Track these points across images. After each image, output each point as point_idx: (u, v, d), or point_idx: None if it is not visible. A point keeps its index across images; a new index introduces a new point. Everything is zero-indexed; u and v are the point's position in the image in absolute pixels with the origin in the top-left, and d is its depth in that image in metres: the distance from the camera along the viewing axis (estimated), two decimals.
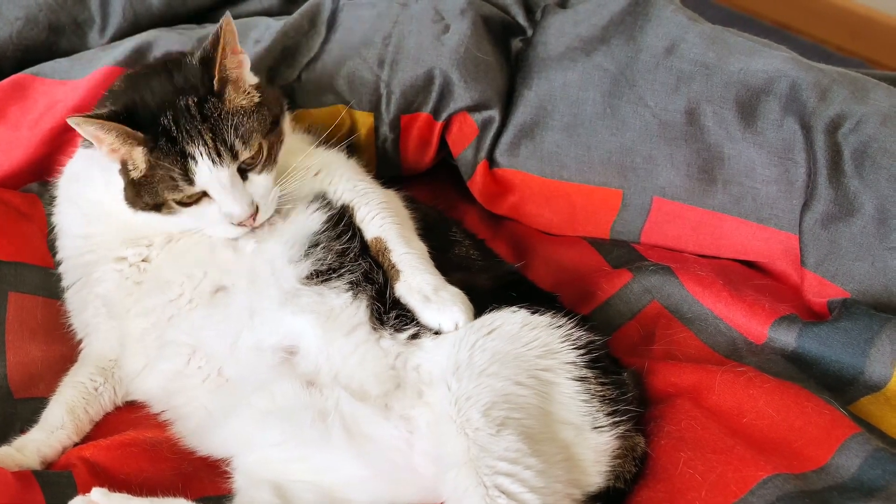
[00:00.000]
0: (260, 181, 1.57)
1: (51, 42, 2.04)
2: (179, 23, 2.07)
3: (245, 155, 1.55)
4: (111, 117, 1.49)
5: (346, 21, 1.97)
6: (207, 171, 1.51)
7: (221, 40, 1.53)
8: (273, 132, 1.60)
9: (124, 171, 1.55)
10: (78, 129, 1.50)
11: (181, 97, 1.52)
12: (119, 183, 1.57)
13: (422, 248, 1.63)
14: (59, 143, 1.90)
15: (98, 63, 1.91)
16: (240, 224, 1.56)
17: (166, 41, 1.93)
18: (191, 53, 1.62)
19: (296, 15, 1.98)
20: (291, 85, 1.94)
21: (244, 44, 1.88)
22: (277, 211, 1.62)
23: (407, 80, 1.93)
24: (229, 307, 1.57)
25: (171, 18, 2.07)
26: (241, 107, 1.56)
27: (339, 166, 1.70)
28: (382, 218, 1.63)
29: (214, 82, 1.54)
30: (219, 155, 1.52)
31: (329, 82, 1.94)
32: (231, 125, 1.53)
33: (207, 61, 1.56)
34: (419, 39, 1.93)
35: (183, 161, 1.50)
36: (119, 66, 1.89)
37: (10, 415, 1.60)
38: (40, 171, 1.92)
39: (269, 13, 2.13)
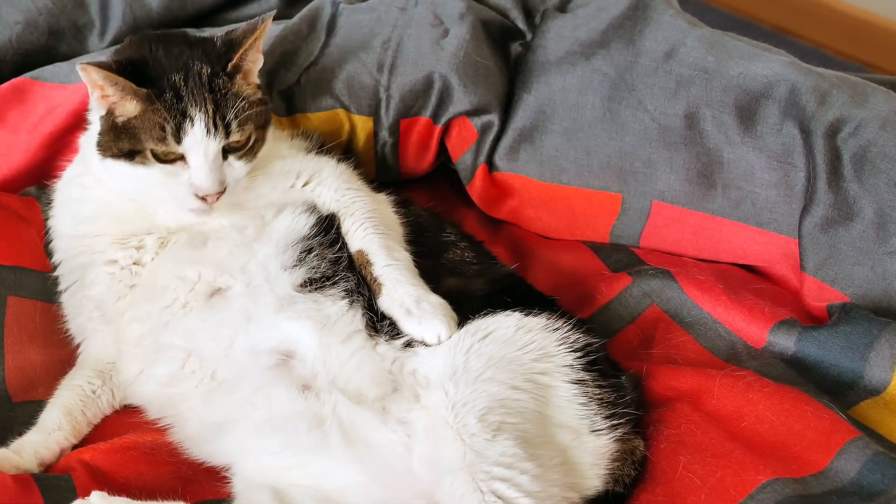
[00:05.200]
0: (237, 166, 1.60)
1: (50, 46, 2.04)
2: (179, 27, 2.07)
3: (236, 137, 1.58)
4: (120, 70, 1.53)
5: (345, 25, 1.97)
6: (198, 137, 1.54)
7: (258, 32, 1.61)
8: (263, 129, 1.64)
9: (108, 116, 1.58)
10: (82, 74, 1.54)
11: (196, 62, 1.57)
12: (96, 130, 1.61)
13: (406, 257, 1.63)
14: (58, 147, 1.90)
15: None
16: (202, 198, 1.57)
17: None
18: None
19: (295, 19, 1.98)
20: (290, 89, 1.94)
21: None
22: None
23: (406, 84, 1.93)
24: (226, 311, 1.57)
25: (170, 22, 2.07)
26: (246, 95, 1.60)
27: (328, 175, 1.70)
28: (365, 230, 1.63)
29: (231, 64, 1.59)
30: (215, 127, 1.55)
31: (328, 87, 1.94)
32: (232, 105, 1.57)
33: (232, 44, 1.62)
34: (418, 44, 1.93)
35: (180, 119, 1.53)
36: None
37: (8, 419, 1.59)
38: (39, 175, 1.92)
39: None
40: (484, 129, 1.95)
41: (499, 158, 1.97)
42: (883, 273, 1.72)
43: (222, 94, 1.57)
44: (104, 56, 1.74)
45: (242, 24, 1.66)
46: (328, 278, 1.59)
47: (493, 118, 1.94)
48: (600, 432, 1.47)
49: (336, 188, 1.69)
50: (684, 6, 1.99)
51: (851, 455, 1.45)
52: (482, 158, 1.97)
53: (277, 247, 1.60)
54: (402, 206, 1.75)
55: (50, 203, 1.76)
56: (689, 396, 1.59)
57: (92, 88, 1.57)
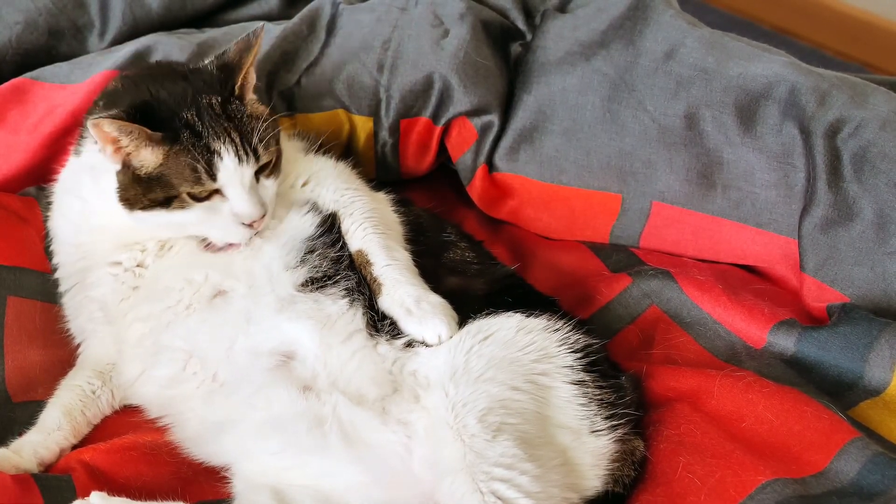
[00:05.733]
0: (269, 185, 1.60)
1: (50, 46, 2.04)
2: (179, 27, 2.07)
3: (265, 158, 1.57)
4: (131, 117, 1.48)
5: (345, 26, 1.98)
6: (232, 169, 1.53)
7: (255, 48, 1.58)
8: (279, 143, 1.63)
9: (125, 170, 1.54)
10: (93, 130, 1.50)
11: (203, 96, 1.55)
12: (113, 185, 1.56)
13: (405, 257, 1.62)
14: (58, 148, 1.89)
15: (98, 67, 1.91)
16: (248, 225, 1.56)
17: (166, 46, 1.93)
18: (193, 61, 1.64)
19: (295, 19, 1.98)
20: (291, 89, 1.94)
21: None
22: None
23: (406, 84, 1.93)
24: (226, 312, 1.57)
25: (170, 23, 2.07)
26: (259, 113, 1.59)
27: (327, 175, 1.70)
28: (364, 229, 1.63)
29: (237, 87, 1.57)
30: (246, 154, 1.54)
31: (328, 87, 1.94)
32: (253, 128, 1.55)
33: (229, 67, 1.59)
34: (418, 44, 1.93)
35: (208, 156, 1.51)
36: (119, 71, 1.89)
37: (8, 419, 1.60)
38: (39, 175, 1.91)
39: (268, 17, 2.13)
40: (484, 130, 1.95)
41: (499, 159, 1.97)
42: (883, 273, 1.72)
43: (240, 119, 1.55)
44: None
45: (231, 45, 1.63)
46: (329, 277, 1.59)
47: (493, 118, 1.95)
48: (600, 433, 1.47)
49: (335, 188, 1.69)
50: (684, 6, 1.99)
51: (851, 455, 1.45)
52: (482, 159, 1.97)
53: (283, 248, 1.60)
54: (402, 205, 1.75)
55: (49, 205, 1.75)
56: (689, 397, 1.59)
57: (104, 144, 1.51)
